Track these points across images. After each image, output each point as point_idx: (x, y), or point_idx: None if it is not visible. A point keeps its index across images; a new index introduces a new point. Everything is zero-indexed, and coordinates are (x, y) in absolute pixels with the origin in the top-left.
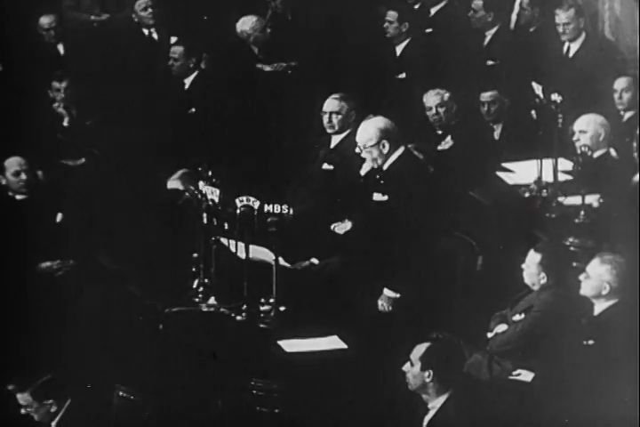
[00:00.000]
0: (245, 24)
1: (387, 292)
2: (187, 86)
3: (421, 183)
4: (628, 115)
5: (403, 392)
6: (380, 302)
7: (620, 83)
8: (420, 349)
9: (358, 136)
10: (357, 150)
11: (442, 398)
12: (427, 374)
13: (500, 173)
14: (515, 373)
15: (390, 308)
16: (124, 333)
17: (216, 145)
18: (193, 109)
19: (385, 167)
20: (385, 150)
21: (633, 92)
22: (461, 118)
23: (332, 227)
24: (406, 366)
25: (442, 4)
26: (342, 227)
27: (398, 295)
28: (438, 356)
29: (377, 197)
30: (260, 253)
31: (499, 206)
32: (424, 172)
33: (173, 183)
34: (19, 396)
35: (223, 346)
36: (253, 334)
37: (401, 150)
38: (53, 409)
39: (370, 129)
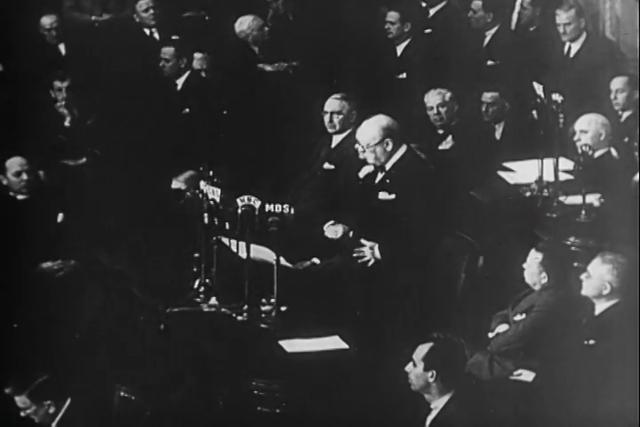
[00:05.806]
0: (243, 24)
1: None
2: (179, 87)
3: (425, 183)
4: (626, 114)
5: (404, 392)
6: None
7: (616, 83)
8: (423, 349)
9: (360, 135)
10: (360, 149)
11: (444, 398)
12: (430, 374)
13: (501, 173)
14: (516, 373)
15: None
16: (124, 333)
17: (217, 145)
18: (187, 110)
19: (388, 167)
20: (389, 148)
21: (628, 93)
22: (462, 118)
23: (325, 226)
24: (409, 367)
25: (441, 5)
26: (333, 230)
27: (377, 245)
28: (441, 356)
29: (383, 195)
30: (262, 252)
31: (500, 206)
32: (427, 171)
33: (178, 183)
34: (17, 399)
35: (224, 346)
36: (254, 334)
37: (404, 149)
38: (52, 410)
39: (373, 128)
